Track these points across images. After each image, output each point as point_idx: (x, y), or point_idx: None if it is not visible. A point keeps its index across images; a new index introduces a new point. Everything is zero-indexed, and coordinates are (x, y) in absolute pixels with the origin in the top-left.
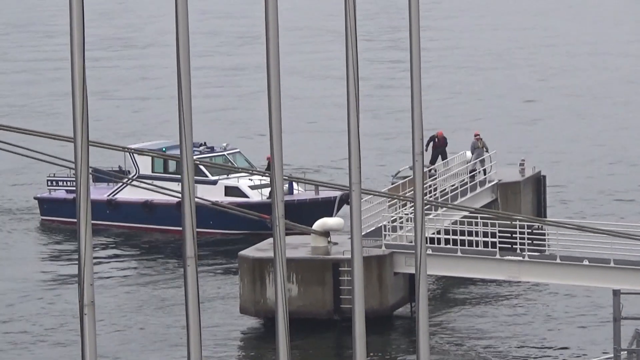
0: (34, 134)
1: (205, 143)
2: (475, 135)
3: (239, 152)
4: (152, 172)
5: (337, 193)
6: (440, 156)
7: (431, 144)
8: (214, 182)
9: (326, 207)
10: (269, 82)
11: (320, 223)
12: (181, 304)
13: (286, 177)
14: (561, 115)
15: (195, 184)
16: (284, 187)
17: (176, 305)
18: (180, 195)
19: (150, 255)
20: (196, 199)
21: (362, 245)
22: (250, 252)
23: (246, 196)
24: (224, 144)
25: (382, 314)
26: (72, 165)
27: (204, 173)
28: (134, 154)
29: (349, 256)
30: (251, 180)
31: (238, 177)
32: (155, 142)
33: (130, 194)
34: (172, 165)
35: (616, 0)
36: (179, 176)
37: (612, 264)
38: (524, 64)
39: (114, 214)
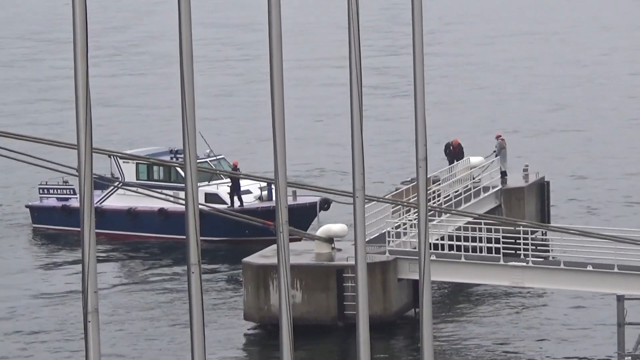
0: (37, 141)
1: None
2: (499, 137)
3: (223, 158)
4: (137, 179)
5: (315, 199)
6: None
7: (447, 151)
8: None
9: (302, 214)
10: (272, 86)
11: (324, 229)
12: (185, 309)
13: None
14: (565, 121)
15: (177, 191)
16: (264, 193)
17: (178, 311)
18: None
19: (144, 262)
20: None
21: (365, 251)
22: (254, 258)
23: (225, 203)
24: (208, 151)
25: (386, 320)
26: (69, 171)
27: (183, 179)
28: (120, 161)
29: (353, 262)
30: (229, 187)
31: (217, 184)
32: (143, 149)
33: (115, 201)
34: (156, 173)
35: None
36: (164, 183)
37: (615, 270)
38: (527, 69)
39: (99, 221)
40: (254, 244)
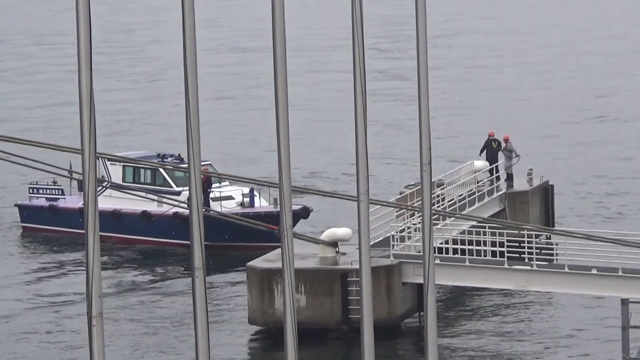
0: (40, 145)
1: (180, 155)
2: (508, 140)
3: (210, 164)
4: (123, 181)
5: (295, 207)
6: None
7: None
8: (178, 193)
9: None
10: (276, 91)
11: (329, 233)
12: (186, 311)
13: (296, 188)
14: (569, 124)
15: (161, 194)
16: (246, 199)
17: (179, 315)
18: (176, 204)
19: (133, 265)
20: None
21: (370, 255)
22: (258, 262)
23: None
24: None
25: (391, 324)
26: (61, 172)
27: (168, 183)
28: (107, 163)
29: (357, 266)
30: (211, 191)
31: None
32: (131, 153)
33: (100, 203)
34: (143, 176)
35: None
36: (150, 187)
37: (620, 273)
38: (531, 72)
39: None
40: (236, 250)
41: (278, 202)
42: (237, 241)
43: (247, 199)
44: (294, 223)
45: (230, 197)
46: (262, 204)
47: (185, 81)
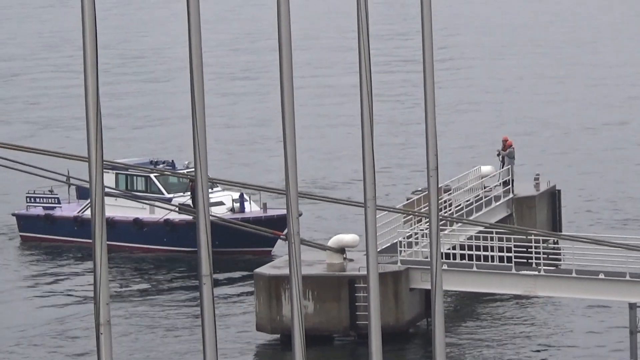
0: (45, 153)
1: (172, 161)
2: (511, 145)
3: None
4: (116, 189)
5: (284, 212)
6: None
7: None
8: (169, 200)
9: (269, 226)
10: (282, 95)
11: (336, 240)
12: (195, 318)
13: (299, 193)
14: (576, 129)
15: (151, 201)
16: (236, 205)
17: (186, 322)
18: (170, 209)
19: (128, 272)
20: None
21: (377, 261)
22: (266, 269)
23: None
24: (186, 162)
25: (399, 329)
26: (60, 178)
27: (159, 190)
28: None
29: (365, 272)
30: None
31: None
32: (124, 160)
33: None
34: (136, 184)
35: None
36: (144, 194)
37: (627, 278)
38: (535, 76)
39: (81, 230)
40: (226, 255)
41: (267, 207)
42: (228, 247)
43: (237, 205)
44: (282, 227)
45: (220, 203)
46: (252, 209)
47: (191, 85)
